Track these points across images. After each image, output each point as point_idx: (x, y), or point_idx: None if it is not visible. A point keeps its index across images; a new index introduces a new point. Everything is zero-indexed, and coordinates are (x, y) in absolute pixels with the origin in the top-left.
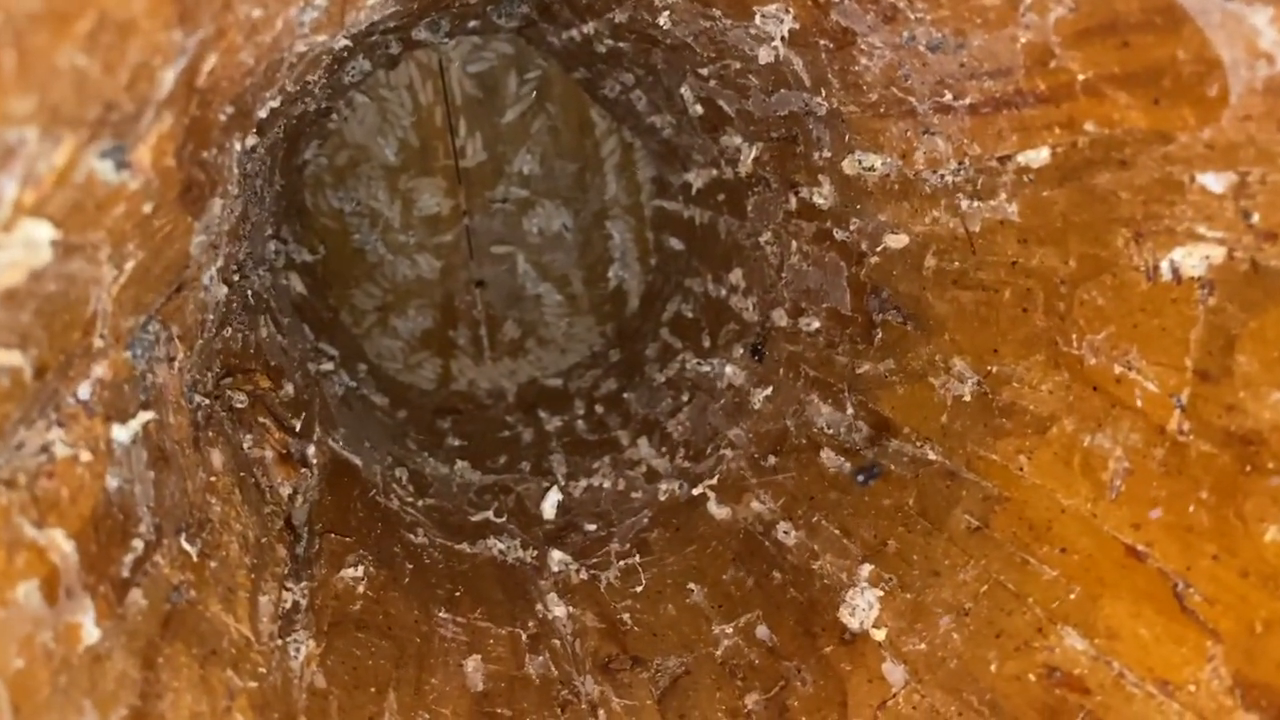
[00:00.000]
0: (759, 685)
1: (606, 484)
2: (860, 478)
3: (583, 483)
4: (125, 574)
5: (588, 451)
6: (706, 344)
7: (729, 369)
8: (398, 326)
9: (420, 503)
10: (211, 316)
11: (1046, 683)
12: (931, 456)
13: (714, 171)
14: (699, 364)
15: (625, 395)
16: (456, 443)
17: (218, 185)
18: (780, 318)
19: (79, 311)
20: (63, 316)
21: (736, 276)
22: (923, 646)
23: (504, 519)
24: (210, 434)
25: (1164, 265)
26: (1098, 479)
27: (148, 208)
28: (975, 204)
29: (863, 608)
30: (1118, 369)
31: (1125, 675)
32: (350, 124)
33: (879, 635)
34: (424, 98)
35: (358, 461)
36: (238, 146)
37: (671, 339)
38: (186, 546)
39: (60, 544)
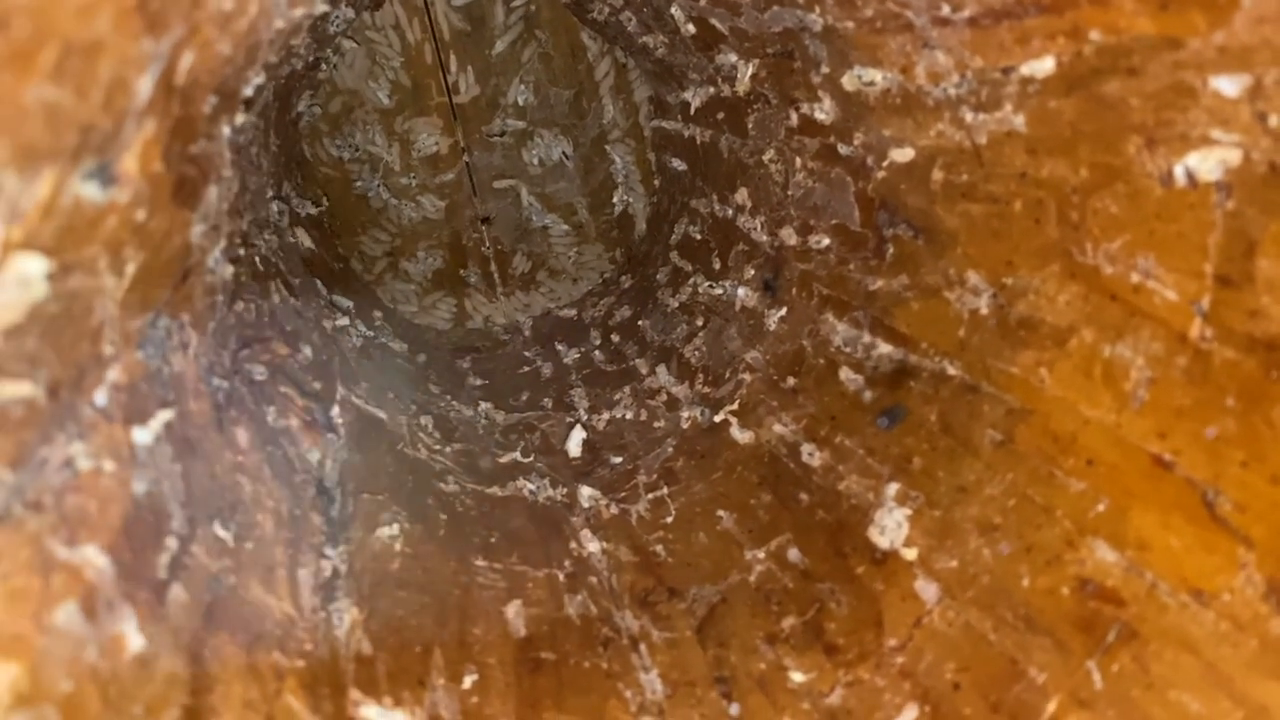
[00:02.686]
0: (794, 609)
1: (629, 415)
2: (883, 421)
3: (605, 416)
4: (163, 575)
5: (607, 383)
6: (717, 266)
7: (741, 291)
8: (408, 269)
9: (448, 449)
10: (221, 297)
11: (1080, 595)
12: (951, 372)
13: (711, 89)
14: (711, 287)
15: (640, 323)
16: (478, 383)
17: (210, 173)
18: (789, 236)
19: (85, 323)
20: (69, 332)
21: (742, 196)
22: (954, 564)
23: (531, 458)
24: (233, 413)
25: (1178, 171)
26: (1120, 389)
27: (141, 214)
28: (980, 116)
29: (891, 527)
30: (1135, 278)
31: (1158, 586)
32: (340, 70)
33: (910, 554)
34: (411, 36)
35: (382, 415)
36: (226, 130)
37: (681, 262)
38: (221, 532)
39: (94, 560)
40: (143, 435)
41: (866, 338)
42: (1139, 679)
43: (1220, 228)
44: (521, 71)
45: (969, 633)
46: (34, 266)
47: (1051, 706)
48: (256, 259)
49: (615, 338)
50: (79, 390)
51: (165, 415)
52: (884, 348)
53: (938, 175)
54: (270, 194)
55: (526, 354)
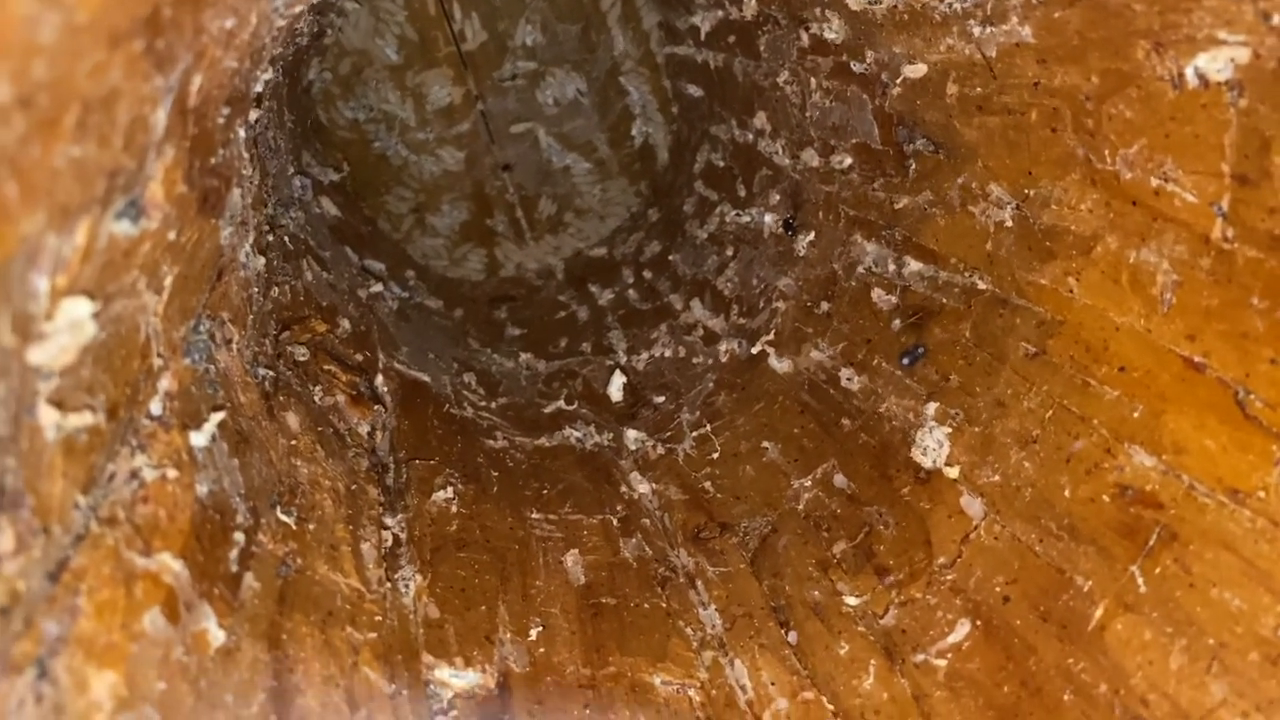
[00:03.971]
0: (844, 534)
1: (667, 353)
2: (905, 360)
3: (644, 355)
4: (234, 568)
5: (644, 322)
6: (742, 193)
7: (768, 218)
8: (435, 224)
9: (493, 404)
10: (256, 288)
11: (1120, 502)
12: (981, 286)
13: (720, 13)
14: (738, 215)
15: (671, 257)
16: (516, 332)
17: (232, 177)
18: (811, 158)
19: (133, 342)
20: (119, 353)
21: (761, 120)
22: (997, 478)
23: (575, 405)
24: (281, 399)
25: (1189, 72)
26: (1148, 294)
27: (172, 234)
28: (988, 29)
29: (933, 446)
30: (1155, 181)
31: (1196, 487)
32: (345, 32)
33: (953, 472)
34: None
35: (426, 378)
36: (242, 132)
37: (707, 191)
38: (283, 517)
39: (170, 565)
40: (199, 438)
41: (896, 256)
42: (1181, 580)
43: (1235, 126)
44: (527, 12)
45: (1015, 546)
46: (81, 308)
47: (1098, 612)
48: (286, 239)
49: (647, 274)
50: (135, 405)
51: (218, 416)
52: (914, 265)
53: (952, 89)
54: (291, 170)
55: (561, 298)
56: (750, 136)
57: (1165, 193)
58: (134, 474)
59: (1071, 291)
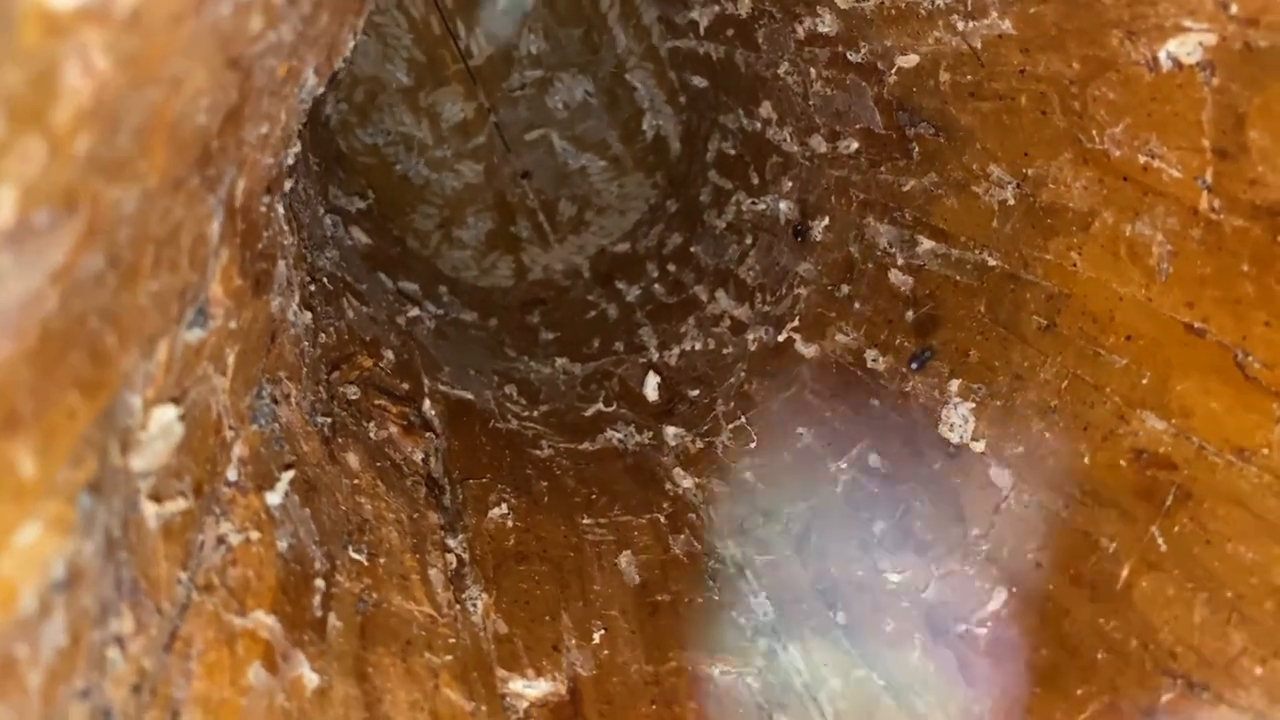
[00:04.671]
0: (882, 513)
1: (697, 345)
2: (913, 364)
3: (675, 350)
4: (319, 613)
5: (672, 316)
6: (755, 181)
7: (783, 205)
8: (462, 237)
9: (535, 412)
10: (306, 341)
11: (1137, 465)
12: (991, 262)
13: (717, 8)
14: (753, 203)
15: (692, 249)
16: (550, 336)
17: (276, 255)
18: (819, 144)
19: (207, 422)
20: (197, 435)
21: (767, 109)
22: (1021, 449)
23: (613, 406)
24: (340, 440)
25: (1162, 56)
26: (1146, 265)
27: (233, 324)
28: (971, 23)
29: (959, 422)
30: (1142, 158)
31: (1205, 448)
32: (356, 61)
33: (979, 446)
34: (416, 11)
35: (469, 395)
36: (280, 209)
37: (721, 180)
38: (355, 555)
39: (264, 620)
40: (274, 497)
41: (910, 236)
42: (1198, 536)
43: (1210, 104)
44: (529, 21)
45: (1043, 513)
46: (169, 414)
47: (1125, 572)
48: (325, 280)
49: (671, 267)
50: (215, 477)
51: (289, 474)
52: (927, 244)
53: (945, 77)
54: (322, 210)
55: (590, 298)
56: (758, 125)
57: (1153, 168)
58: (221, 540)
59: (1075, 265)
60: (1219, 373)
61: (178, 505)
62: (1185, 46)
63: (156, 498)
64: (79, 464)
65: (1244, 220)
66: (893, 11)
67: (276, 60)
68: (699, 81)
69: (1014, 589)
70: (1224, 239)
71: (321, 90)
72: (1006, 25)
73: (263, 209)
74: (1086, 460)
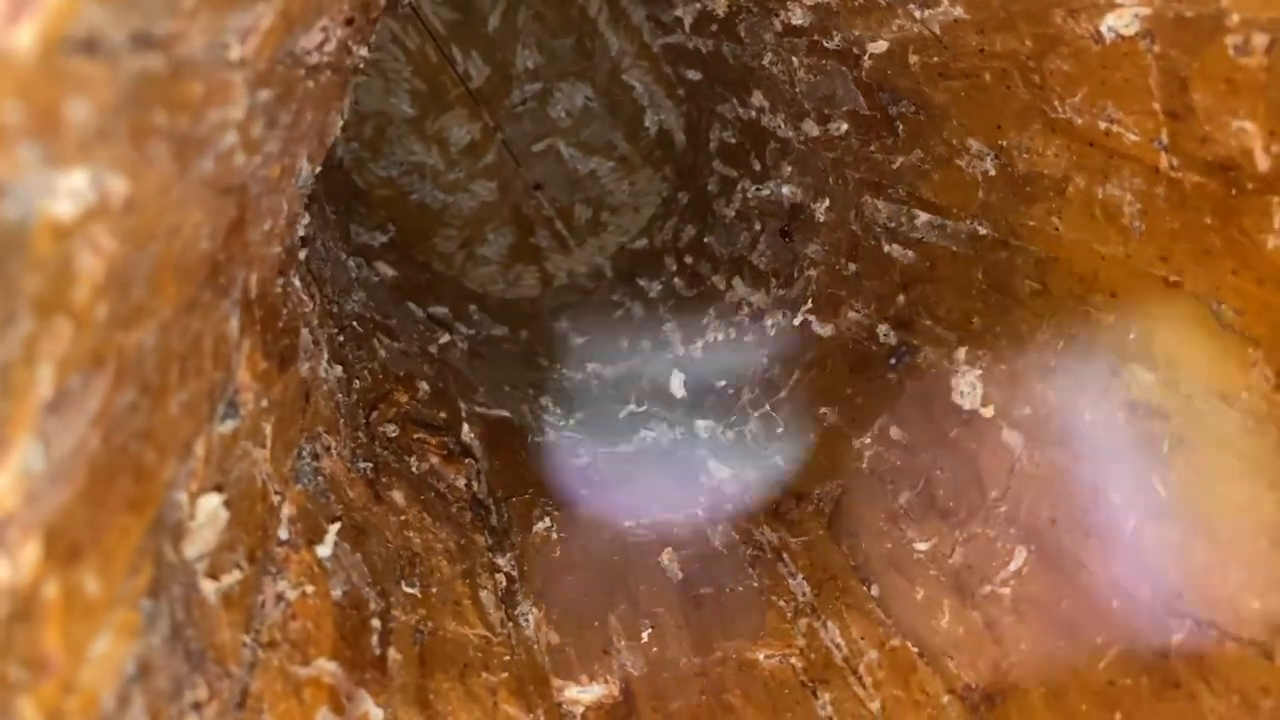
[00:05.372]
0: (907, 483)
1: (719, 336)
2: (892, 360)
3: (699, 343)
4: (378, 651)
5: (693, 309)
6: (757, 167)
7: (785, 189)
8: (485, 253)
9: (571, 421)
10: (340, 392)
11: (1133, 417)
12: (982, 231)
13: (698, 5)
14: (758, 189)
15: (706, 240)
16: (579, 341)
17: (298, 325)
18: (811, 127)
19: (253, 492)
20: (245, 507)
21: (758, 97)
22: (1027, 410)
23: (645, 406)
24: (385, 480)
25: (1104, 30)
26: (1120, 224)
27: (264, 403)
28: (926, 11)
29: (968, 390)
30: (1102, 124)
31: (1192, 395)
32: (360, 99)
33: (988, 411)
34: (411, 43)
35: (506, 413)
36: (297, 281)
37: (725, 169)
38: (409, 589)
39: (326, 667)
40: (324, 549)
41: (906, 210)
42: (1193, 482)
43: (1155, 69)
44: (521, 37)
45: (1053, 470)
46: (214, 501)
47: (1131, 521)
48: (354, 324)
49: (688, 259)
50: (267, 540)
51: (336, 526)
52: (923, 216)
53: (914, 59)
54: (344, 256)
55: (614, 298)
56: (753, 113)
57: (1113, 133)
58: (279, 597)
59: (1057, 229)
60: (1197, 323)
61: (234, 576)
62: (1123, 20)
63: (213, 575)
64: (137, 572)
65: (1201, 176)
66: (855, 4)
67: (268, 169)
68: (693, 74)
69: (1033, 547)
70: (1186, 195)
71: (319, 170)
72: (959, 11)
73: (279, 290)
74: (1087, 416)
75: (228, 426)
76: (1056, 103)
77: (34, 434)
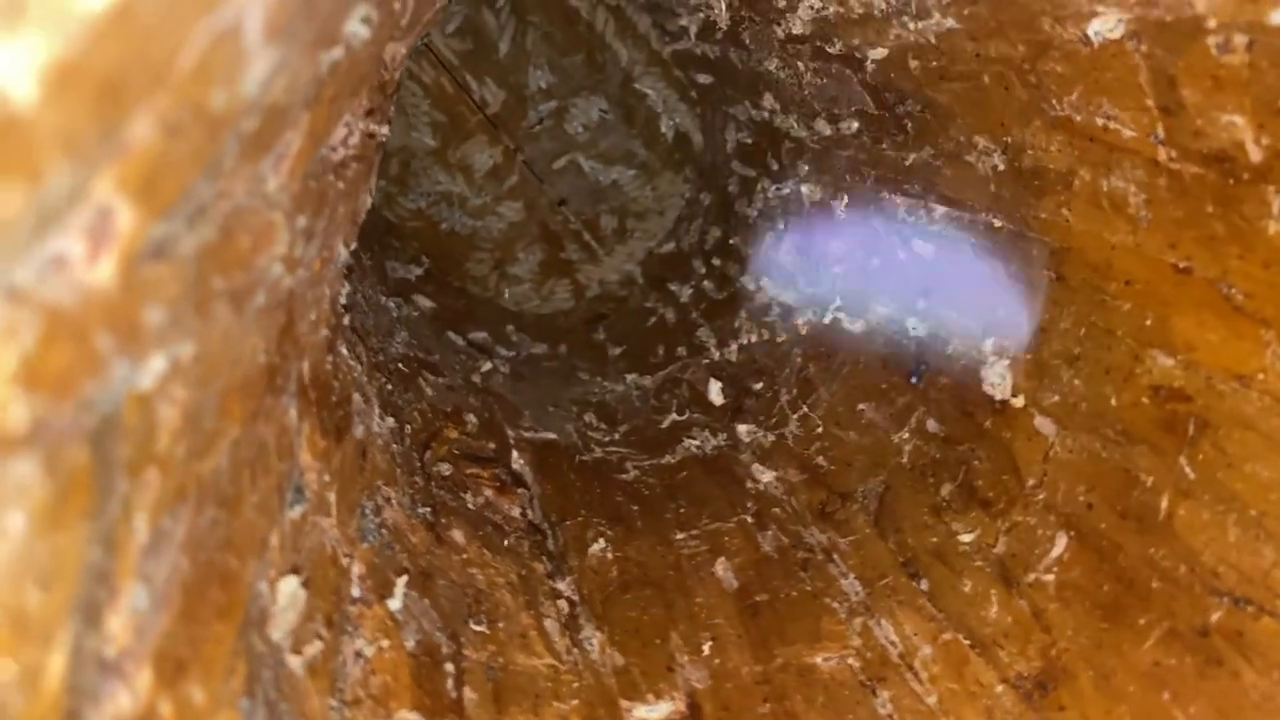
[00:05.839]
0: (947, 476)
1: (753, 338)
2: (913, 379)
3: (733, 346)
4: (454, 694)
5: (725, 311)
6: (775, 166)
7: (804, 188)
8: (517, 272)
9: (616, 434)
10: (395, 442)
11: (1157, 401)
12: (997, 224)
13: (702, 15)
14: (778, 188)
15: (731, 241)
16: (617, 351)
17: (350, 393)
18: (823, 127)
19: (324, 558)
20: (318, 575)
21: (769, 99)
22: (1056, 398)
23: (686, 414)
24: (444, 521)
25: (1091, 34)
26: (1128, 214)
27: (326, 477)
28: (919, 23)
29: (998, 380)
30: (1100, 120)
31: (1213, 377)
32: None
33: (1019, 401)
34: (427, 77)
35: (552, 435)
36: (344, 350)
37: (744, 170)
38: (477, 627)
39: (407, 717)
40: (395, 602)
41: (924, 205)
42: (1220, 462)
43: (1144, 68)
44: (532, 58)
45: (1087, 455)
46: (292, 584)
47: (1164, 503)
48: (400, 366)
49: (716, 261)
50: (341, 601)
51: (404, 579)
52: (940, 210)
53: (914, 64)
54: (383, 299)
55: (647, 304)
56: (765, 114)
57: (1111, 129)
58: (358, 654)
59: (1068, 220)
60: (1210, 306)
61: (316, 646)
62: (1107, 24)
63: (297, 650)
64: (233, 674)
65: (1198, 167)
66: (851, 16)
67: (310, 270)
68: (704, 78)
69: (1072, 533)
70: (1186, 185)
71: (354, 246)
72: (951, 21)
73: (329, 367)
74: (1113, 402)
75: (297, 512)
76: (1054, 101)
77: (137, 577)
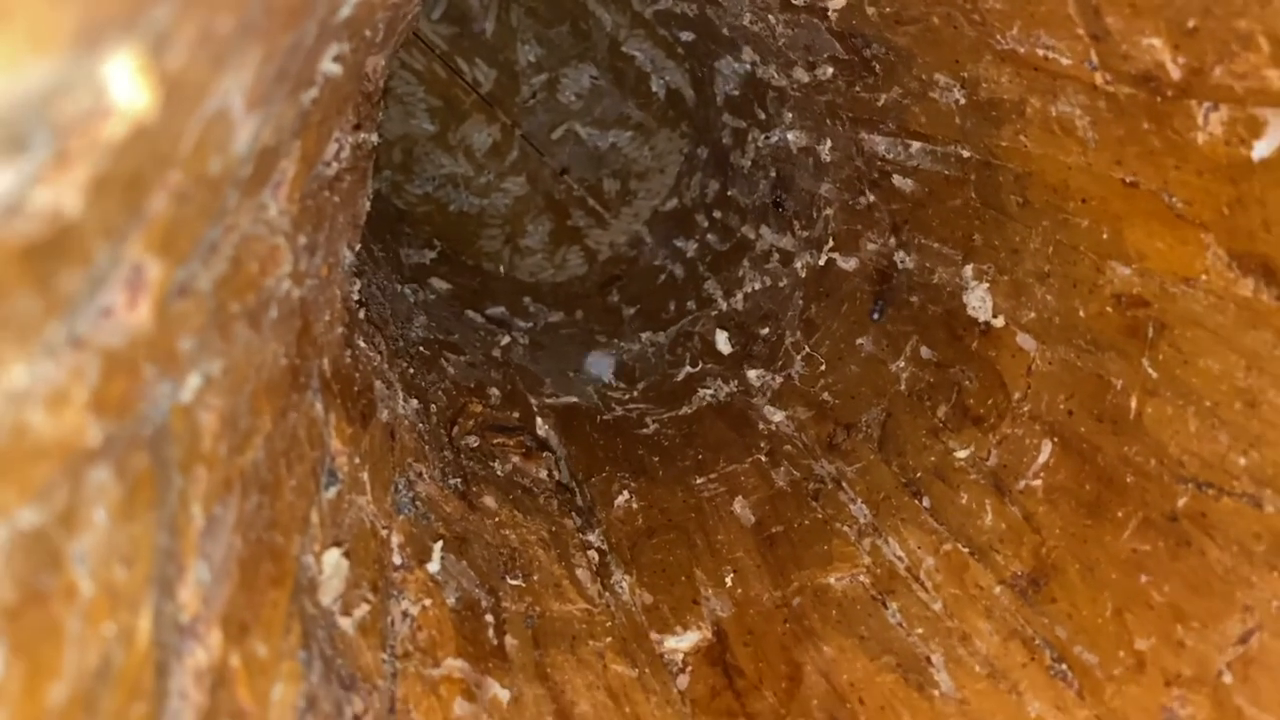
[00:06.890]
0: (942, 398)
1: (756, 285)
2: (875, 315)
3: (739, 295)
4: (495, 641)
5: (728, 263)
6: (762, 116)
7: (790, 135)
8: (529, 244)
9: (634, 392)
10: (421, 422)
11: (1119, 308)
12: (966, 154)
13: None
14: (766, 137)
15: (730, 192)
16: (631, 311)
17: (371, 380)
18: (801, 75)
19: (364, 531)
20: (360, 547)
21: (748, 53)
22: (1033, 314)
23: (699, 366)
24: (475, 489)
25: None
26: (1077, 136)
27: (357, 460)
28: None
29: (979, 303)
30: (1040, 51)
31: (1164, 282)
32: (384, 126)
33: (999, 321)
34: (419, 65)
35: (574, 398)
36: (362, 342)
37: (735, 121)
38: (513, 582)
39: (454, 664)
40: (433, 565)
41: (901, 141)
42: (1177, 359)
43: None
44: (518, 34)
45: (1064, 366)
46: (334, 555)
47: (1133, 403)
48: (421, 349)
49: (717, 214)
50: (385, 568)
51: (440, 544)
52: (915, 145)
53: (871, 10)
54: (399, 287)
55: (656, 262)
56: (747, 66)
57: (1051, 58)
58: (404, 614)
59: (1026, 146)
60: (1156, 216)
61: (364, 609)
62: None
63: (347, 612)
64: (290, 632)
65: (1130, 88)
66: None
67: (318, 277)
68: (687, 36)
69: (1055, 439)
70: (1122, 105)
71: (359, 247)
72: None
73: (348, 360)
74: (1082, 313)
75: (332, 492)
76: (999, 36)
77: (199, 556)
